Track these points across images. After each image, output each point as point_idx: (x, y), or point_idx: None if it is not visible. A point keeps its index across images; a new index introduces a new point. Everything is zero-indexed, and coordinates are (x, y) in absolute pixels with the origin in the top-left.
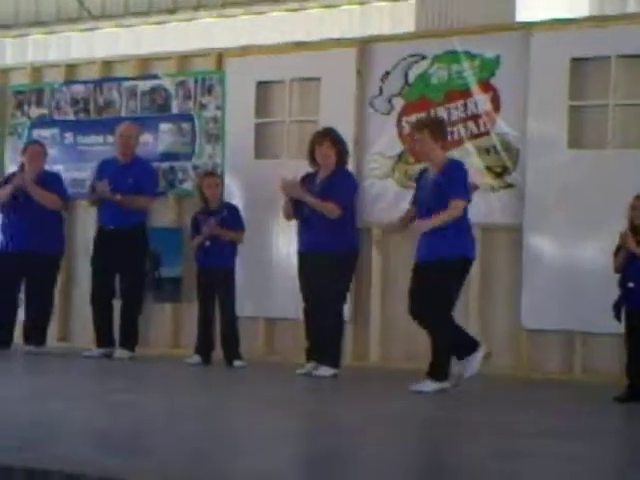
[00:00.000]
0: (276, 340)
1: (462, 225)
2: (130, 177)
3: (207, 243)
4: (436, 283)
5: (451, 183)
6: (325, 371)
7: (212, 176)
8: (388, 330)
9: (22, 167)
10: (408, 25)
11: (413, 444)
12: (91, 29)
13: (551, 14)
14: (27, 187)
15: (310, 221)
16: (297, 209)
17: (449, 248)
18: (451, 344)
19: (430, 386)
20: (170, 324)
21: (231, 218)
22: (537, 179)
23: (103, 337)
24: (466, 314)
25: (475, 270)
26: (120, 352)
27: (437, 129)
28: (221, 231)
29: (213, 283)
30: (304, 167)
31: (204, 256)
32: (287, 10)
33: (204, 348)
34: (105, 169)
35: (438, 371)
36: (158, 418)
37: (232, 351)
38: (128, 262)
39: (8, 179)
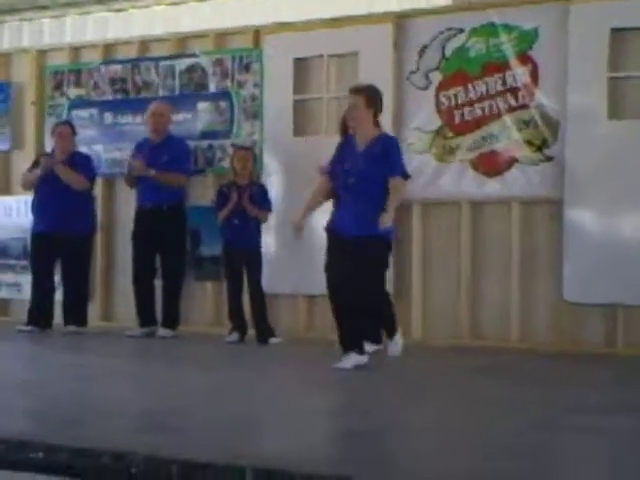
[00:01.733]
0: (316, 317)
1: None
2: (164, 155)
3: (235, 221)
4: (379, 260)
5: (391, 159)
6: (367, 347)
7: (243, 149)
8: (429, 305)
9: (54, 150)
10: None
11: (457, 419)
12: (128, 9)
13: None
14: (54, 167)
15: None
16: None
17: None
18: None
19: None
20: (211, 302)
21: (259, 196)
22: (577, 151)
23: (145, 316)
24: (508, 288)
25: (516, 244)
26: (162, 331)
27: (373, 97)
28: (248, 205)
29: (240, 261)
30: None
31: (231, 233)
32: None
33: (239, 325)
34: (141, 149)
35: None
36: (201, 396)
37: (264, 329)
38: (168, 241)
39: (38, 160)
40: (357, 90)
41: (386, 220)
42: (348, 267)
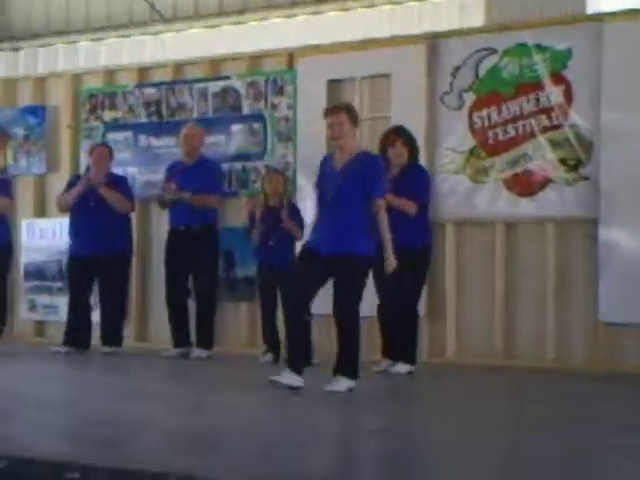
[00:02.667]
0: None
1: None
2: (197, 177)
3: (270, 243)
4: (359, 279)
5: (373, 179)
6: (401, 368)
7: (273, 172)
8: (464, 325)
9: (88, 169)
10: (477, 19)
11: (494, 441)
12: (163, 32)
13: (622, 4)
14: (100, 190)
15: None
16: None
17: (368, 244)
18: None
19: (345, 384)
20: (246, 323)
21: (292, 216)
22: (612, 171)
23: (180, 337)
24: (543, 308)
25: (551, 264)
26: (197, 352)
27: (354, 114)
28: (288, 223)
29: (274, 281)
30: None
31: (266, 255)
32: (356, 8)
33: (273, 346)
34: (173, 171)
35: (351, 368)
36: (236, 417)
37: None
38: (200, 262)
39: (76, 180)
40: (338, 109)
41: (392, 262)
42: (315, 290)
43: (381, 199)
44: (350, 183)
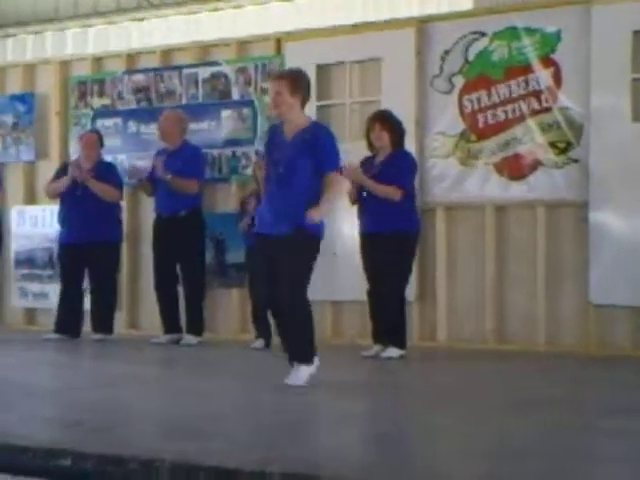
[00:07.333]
0: (343, 323)
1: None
2: (178, 162)
3: None
4: (297, 257)
5: (322, 152)
6: (392, 352)
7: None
8: (454, 309)
9: (79, 157)
10: (467, 3)
11: (483, 421)
12: (150, 18)
13: None
14: (85, 181)
15: (370, 203)
16: (358, 191)
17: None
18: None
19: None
20: (237, 309)
21: None
22: (601, 154)
23: (170, 324)
24: (533, 291)
25: (541, 247)
26: (187, 338)
27: (297, 82)
28: None
29: None
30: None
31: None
32: None
33: (263, 332)
34: (160, 157)
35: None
36: (227, 403)
37: None
38: (186, 249)
39: (65, 168)
40: (280, 76)
41: (314, 214)
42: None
43: (332, 172)
44: (300, 156)
